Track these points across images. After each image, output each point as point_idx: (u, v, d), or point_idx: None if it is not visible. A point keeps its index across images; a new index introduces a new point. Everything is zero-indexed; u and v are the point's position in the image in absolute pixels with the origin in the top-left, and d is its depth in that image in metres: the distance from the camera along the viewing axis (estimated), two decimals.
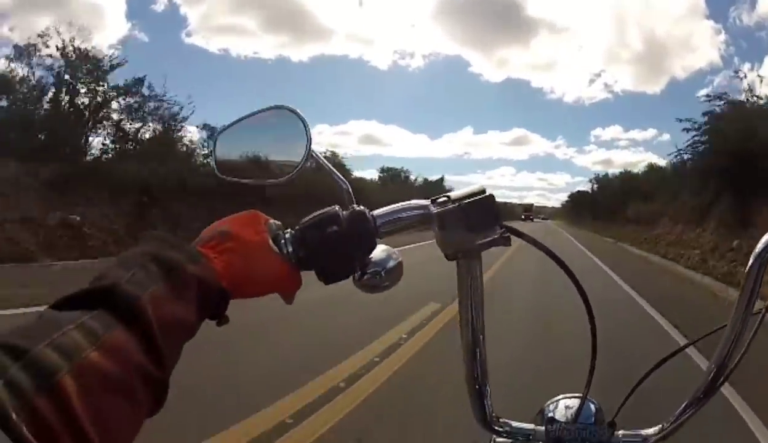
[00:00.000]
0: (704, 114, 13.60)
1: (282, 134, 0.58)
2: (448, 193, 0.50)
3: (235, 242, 0.48)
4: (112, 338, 0.34)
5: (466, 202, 0.48)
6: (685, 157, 15.41)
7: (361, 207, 0.52)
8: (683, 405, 0.59)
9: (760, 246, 0.52)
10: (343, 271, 0.51)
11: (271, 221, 0.52)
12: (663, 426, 0.61)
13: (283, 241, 0.50)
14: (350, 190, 0.53)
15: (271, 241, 0.49)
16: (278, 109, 0.58)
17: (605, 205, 32.70)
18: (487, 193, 0.49)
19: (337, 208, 0.51)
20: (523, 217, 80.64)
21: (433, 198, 0.51)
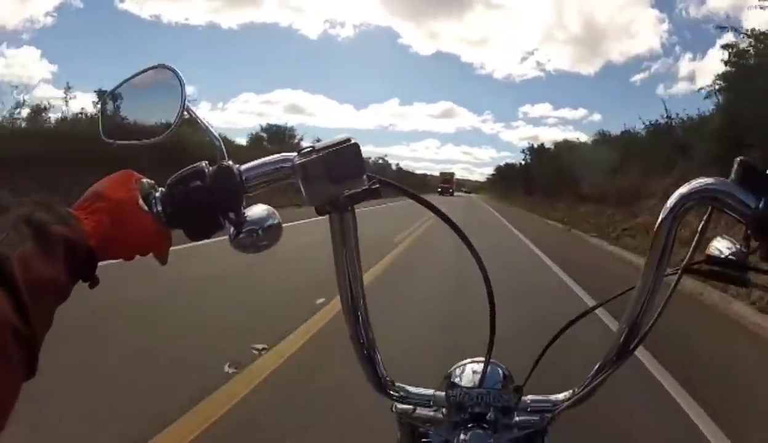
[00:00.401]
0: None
1: (163, 93, 0.57)
2: (313, 145, 0.48)
3: (106, 202, 0.48)
4: None
5: (328, 150, 0.47)
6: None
7: (229, 162, 0.50)
8: (594, 370, 0.58)
9: (671, 201, 0.51)
10: (209, 228, 0.50)
11: (144, 180, 0.51)
12: (574, 391, 0.60)
13: (153, 200, 0.50)
14: (222, 146, 0.52)
15: (141, 200, 0.49)
16: (159, 68, 0.58)
17: (545, 178, 27.59)
18: (351, 142, 0.47)
19: (204, 163, 0.50)
20: (439, 189, 62.27)
21: (299, 149, 0.49)
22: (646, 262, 0.53)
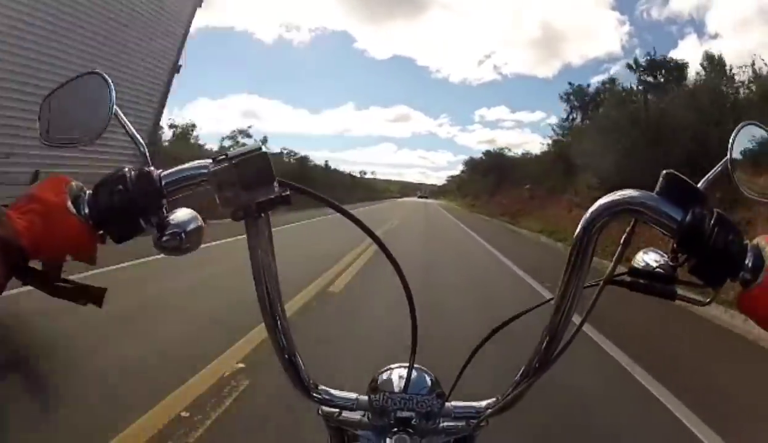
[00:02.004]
0: None
1: (96, 98, 0.59)
2: (227, 153, 0.50)
3: (37, 204, 0.50)
4: None
5: (239, 159, 0.48)
6: None
7: (151, 167, 0.52)
8: (517, 377, 0.58)
9: (590, 213, 0.50)
10: (130, 231, 0.51)
11: (73, 183, 0.53)
12: (497, 398, 0.61)
13: (81, 203, 0.51)
14: (146, 151, 0.54)
15: (69, 203, 0.51)
16: (92, 74, 0.60)
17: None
18: (261, 150, 0.49)
19: (126, 168, 0.52)
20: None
21: (213, 157, 0.50)
22: (564, 273, 0.53)
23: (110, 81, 0.57)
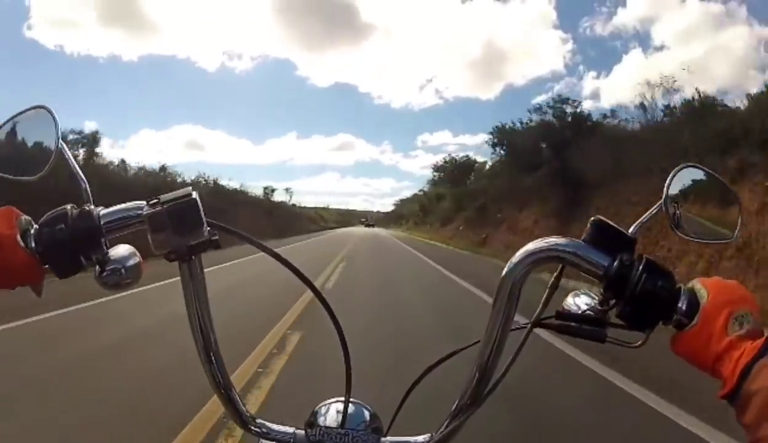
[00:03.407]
0: None
1: (42, 132, 0.60)
2: (159, 196, 0.51)
3: None
4: None
5: (171, 204, 0.50)
6: None
7: (91, 206, 0.54)
8: (450, 414, 0.58)
9: (516, 258, 0.52)
10: (72, 267, 0.52)
11: (23, 217, 0.54)
12: (432, 435, 0.60)
13: (29, 237, 0.52)
14: (88, 188, 0.55)
15: (19, 236, 0.52)
16: (38, 109, 0.61)
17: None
18: (191, 196, 0.51)
19: (69, 206, 0.53)
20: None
21: (147, 199, 0.52)
22: (491, 316, 0.54)
23: (56, 115, 0.58)
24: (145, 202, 0.52)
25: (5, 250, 0.51)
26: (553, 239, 0.52)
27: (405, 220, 74.60)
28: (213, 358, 0.57)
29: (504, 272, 0.52)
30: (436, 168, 48.37)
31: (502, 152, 22.57)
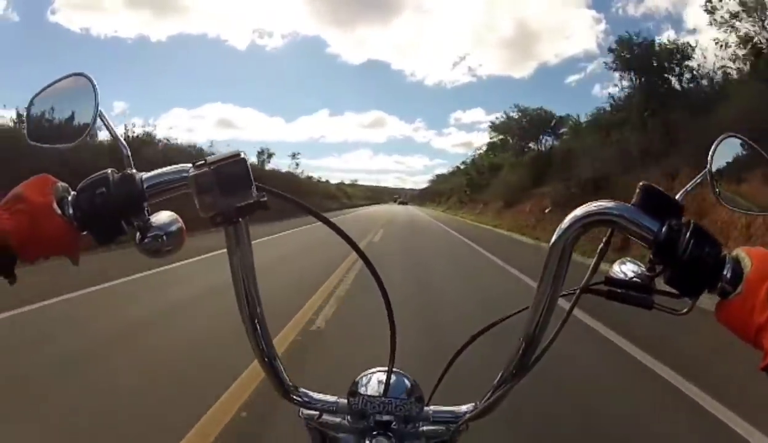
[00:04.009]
0: None
1: (80, 100, 0.59)
2: (206, 158, 0.50)
3: (24, 204, 0.50)
4: None
5: (218, 164, 0.49)
6: None
7: (132, 170, 0.53)
8: (495, 382, 0.59)
9: (566, 222, 0.51)
10: (113, 232, 0.52)
11: (59, 184, 0.54)
12: (476, 404, 0.61)
13: (66, 204, 0.52)
14: (129, 154, 0.54)
15: (55, 204, 0.51)
16: (77, 76, 0.60)
17: None
18: (240, 156, 0.49)
19: (109, 170, 0.53)
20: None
21: (193, 161, 0.51)
22: (540, 281, 0.53)
23: (95, 82, 0.58)
24: (190, 165, 0.51)
25: (41, 218, 0.50)
26: (603, 202, 0.51)
27: (444, 197, 64.96)
28: (258, 326, 0.57)
29: (554, 237, 0.52)
30: (495, 127, 35.44)
31: (631, 80, 14.60)
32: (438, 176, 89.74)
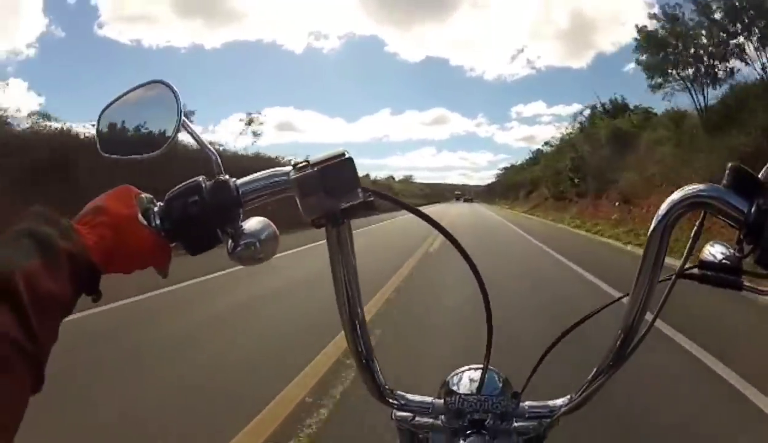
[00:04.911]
0: None
1: (159, 108, 0.58)
2: (308, 159, 0.49)
3: (107, 216, 0.48)
4: None
5: (323, 165, 0.47)
6: None
7: (225, 176, 0.51)
8: (591, 375, 0.58)
9: (663, 208, 0.51)
10: (207, 241, 0.50)
11: (143, 195, 0.52)
12: (571, 397, 0.60)
13: (152, 214, 0.51)
14: (218, 159, 0.53)
15: (140, 215, 0.50)
16: (154, 83, 0.59)
17: None
18: (346, 156, 0.48)
19: (201, 178, 0.51)
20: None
21: (293, 163, 0.49)
22: (639, 269, 0.53)
23: (176, 89, 0.56)
24: (290, 167, 0.49)
25: (126, 231, 0.48)
26: (696, 186, 0.51)
27: (522, 191, 47.48)
28: (358, 328, 0.56)
29: (654, 223, 0.52)
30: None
31: None
32: (505, 169, 76.97)
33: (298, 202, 0.48)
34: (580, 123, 30.76)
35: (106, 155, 0.59)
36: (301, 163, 0.49)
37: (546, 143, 36.25)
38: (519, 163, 61.04)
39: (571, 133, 32.23)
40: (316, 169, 0.47)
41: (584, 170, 24.06)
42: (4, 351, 0.35)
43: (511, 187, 58.50)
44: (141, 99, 0.60)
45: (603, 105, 27.55)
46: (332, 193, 0.47)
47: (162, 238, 0.50)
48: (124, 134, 0.61)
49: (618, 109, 25.95)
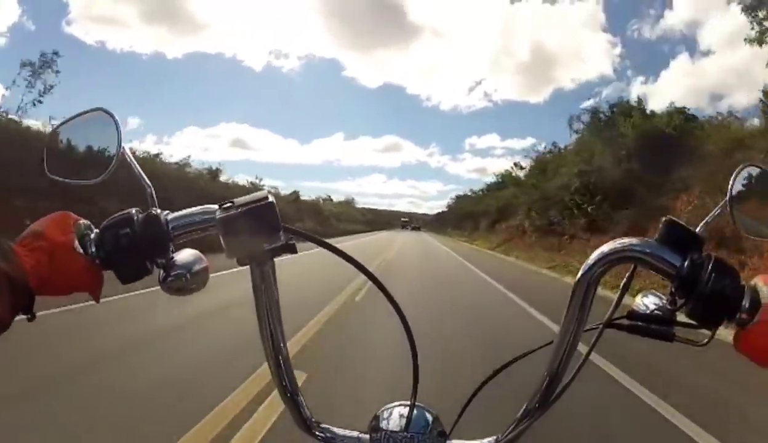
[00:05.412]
0: None
1: (101, 136, 0.59)
2: (233, 200, 0.50)
3: (45, 242, 0.50)
4: None
5: (247, 207, 0.49)
6: None
7: (157, 210, 0.53)
8: (517, 417, 0.59)
9: (592, 258, 0.52)
10: (137, 272, 0.52)
11: (81, 222, 0.54)
12: (497, 438, 0.61)
13: (88, 242, 0.52)
14: (153, 192, 0.54)
15: (77, 242, 0.51)
16: (98, 111, 0.60)
17: None
18: (269, 199, 0.49)
19: (134, 210, 0.53)
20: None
21: (220, 203, 0.51)
22: (565, 317, 0.54)
23: (117, 118, 0.58)
24: (216, 206, 0.51)
25: (61, 257, 0.50)
26: (627, 240, 0.52)
27: (486, 221, 39.08)
28: (281, 362, 0.57)
29: (579, 274, 0.53)
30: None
31: None
32: (458, 197, 71.03)
33: (222, 241, 0.49)
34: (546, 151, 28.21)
35: (52, 176, 0.60)
36: (227, 203, 0.50)
37: (516, 165, 32.23)
38: (478, 189, 54.36)
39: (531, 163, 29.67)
40: (240, 210, 0.48)
41: (602, 190, 17.62)
42: None
43: (467, 216, 51.09)
44: (86, 125, 0.62)
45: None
46: (255, 234, 0.48)
47: (95, 266, 0.52)
48: (69, 157, 0.63)
49: (623, 111, 20.70)
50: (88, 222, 0.54)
